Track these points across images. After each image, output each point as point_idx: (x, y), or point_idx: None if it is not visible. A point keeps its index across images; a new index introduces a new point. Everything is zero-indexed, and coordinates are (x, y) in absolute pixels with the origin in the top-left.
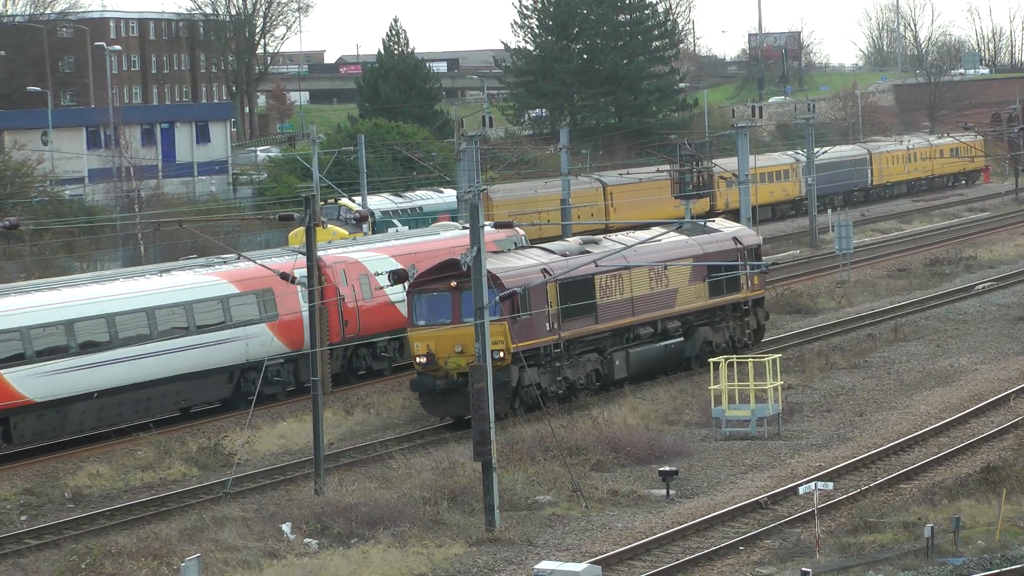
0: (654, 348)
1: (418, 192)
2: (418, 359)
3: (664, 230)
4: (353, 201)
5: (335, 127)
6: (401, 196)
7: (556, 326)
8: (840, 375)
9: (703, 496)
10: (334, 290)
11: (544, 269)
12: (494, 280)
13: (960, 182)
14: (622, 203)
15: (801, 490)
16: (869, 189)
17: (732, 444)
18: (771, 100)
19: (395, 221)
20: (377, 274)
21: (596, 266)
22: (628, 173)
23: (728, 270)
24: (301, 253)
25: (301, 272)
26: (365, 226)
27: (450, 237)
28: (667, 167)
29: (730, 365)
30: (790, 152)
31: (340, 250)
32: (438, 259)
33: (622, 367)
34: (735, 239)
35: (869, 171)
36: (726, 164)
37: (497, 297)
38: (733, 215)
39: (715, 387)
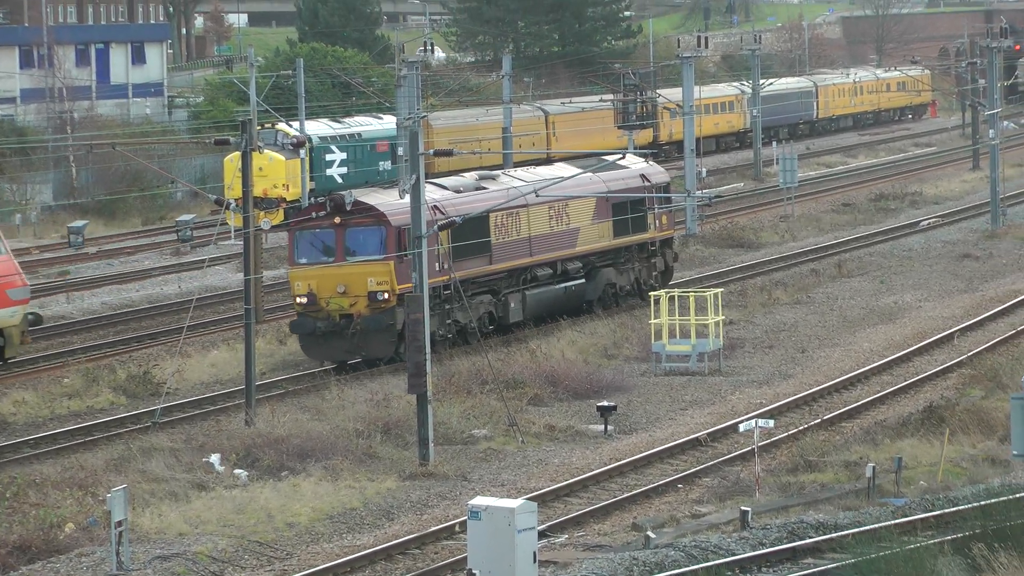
0: (553, 290)
1: (357, 118)
2: (298, 299)
3: (567, 166)
4: (291, 127)
5: (274, 50)
6: (340, 122)
7: (447, 266)
8: (782, 311)
9: (642, 432)
10: None
11: (435, 206)
12: (379, 217)
13: (907, 116)
14: (564, 132)
15: (741, 427)
16: (815, 122)
17: (672, 380)
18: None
19: (333, 147)
20: None
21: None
22: (571, 102)
23: (634, 208)
24: None
25: None
26: (302, 151)
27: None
28: (611, 97)
29: (671, 299)
30: (735, 83)
31: None
32: None
33: (518, 310)
34: (642, 176)
35: (815, 104)
36: (671, 95)
37: (431, 229)
38: (677, 146)
39: (655, 321)
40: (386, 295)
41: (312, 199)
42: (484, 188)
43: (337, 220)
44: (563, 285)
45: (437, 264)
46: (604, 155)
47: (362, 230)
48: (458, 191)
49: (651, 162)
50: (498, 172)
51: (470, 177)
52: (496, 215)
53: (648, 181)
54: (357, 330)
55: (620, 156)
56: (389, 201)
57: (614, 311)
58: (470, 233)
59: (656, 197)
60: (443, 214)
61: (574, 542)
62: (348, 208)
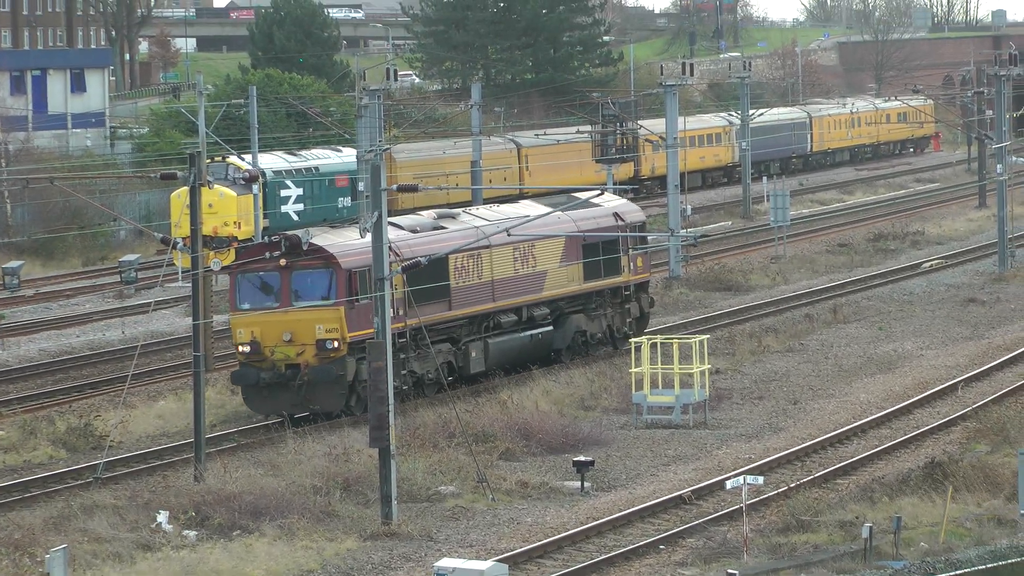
0: (518, 338)
1: (314, 151)
2: (241, 348)
3: (535, 204)
4: (243, 160)
5: (224, 77)
6: (295, 155)
7: (401, 312)
8: (773, 359)
9: (621, 489)
10: None
11: (390, 247)
12: (328, 259)
13: (908, 150)
14: (538, 167)
15: (728, 484)
16: (808, 156)
17: (654, 433)
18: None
19: (288, 182)
20: None
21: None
22: (545, 134)
23: (607, 249)
24: None
25: None
26: (255, 186)
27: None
28: (588, 128)
29: (653, 347)
30: (723, 114)
31: None
32: None
33: (479, 359)
34: (616, 215)
35: (809, 136)
36: (653, 126)
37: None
38: (660, 181)
39: (636, 370)
40: (336, 343)
41: (267, 238)
42: (443, 228)
43: (283, 262)
44: (529, 333)
45: (391, 310)
46: (576, 191)
47: (310, 273)
48: (415, 231)
49: (626, 199)
50: (458, 211)
51: (428, 216)
52: (456, 257)
53: (622, 220)
54: (304, 381)
55: (598, 192)
56: (339, 241)
57: (592, 359)
58: (427, 276)
59: (630, 237)
60: (397, 255)
61: None
62: (305, 248)
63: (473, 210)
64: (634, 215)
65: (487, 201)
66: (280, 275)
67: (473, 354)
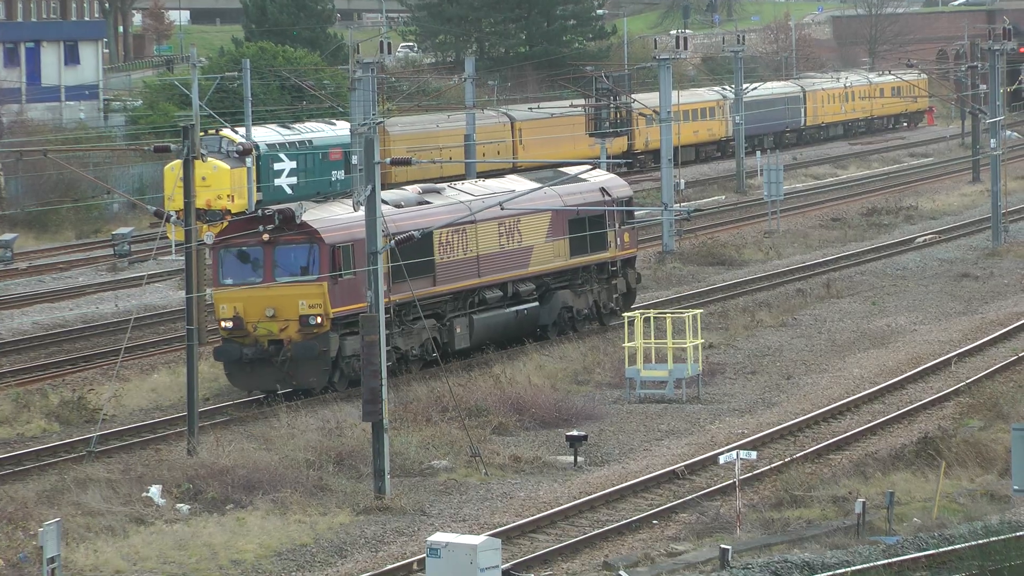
0: (503, 314)
1: (308, 124)
2: (223, 323)
3: (521, 179)
4: (236, 133)
5: (218, 50)
6: (289, 128)
7: (386, 288)
8: (767, 334)
9: (614, 464)
10: None
11: None
12: (312, 234)
13: (901, 124)
14: (532, 140)
15: (721, 459)
16: (802, 130)
17: (647, 407)
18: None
19: (281, 155)
20: None
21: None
22: (539, 107)
23: (593, 224)
24: None
25: None
26: (249, 160)
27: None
28: (582, 102)
29: (646, 321)
30: (717, 88)
31: None
32: None
33: (464, 335)
34: (603, 190)
35: (803, 110)
36: (647, 100)
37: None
38: (653, 156)
39: (629, 344)
40: (319, 319)
41: (260, 211)
42: (428, 203)
43: (266, 237)
44: (514, 309)
45: None
46: (568, 165)
47: (293, 248)
48: (399, 205)
49: (613, 174)
50: (443, 185)
51: (412, 191)
52: (440, 232)
53: (609, 195)
54: (287, 357)
55: (588, 168)
56: (322, 216)
57: (584, 334)
58: (411, 252)
59: (617, 213)
60: (384, 230)
61: None
62: (298, 222)
63: (458, 185)
64: (621, 190)
65: (481, 174)
66: (263, 250)
67: (458, 330)
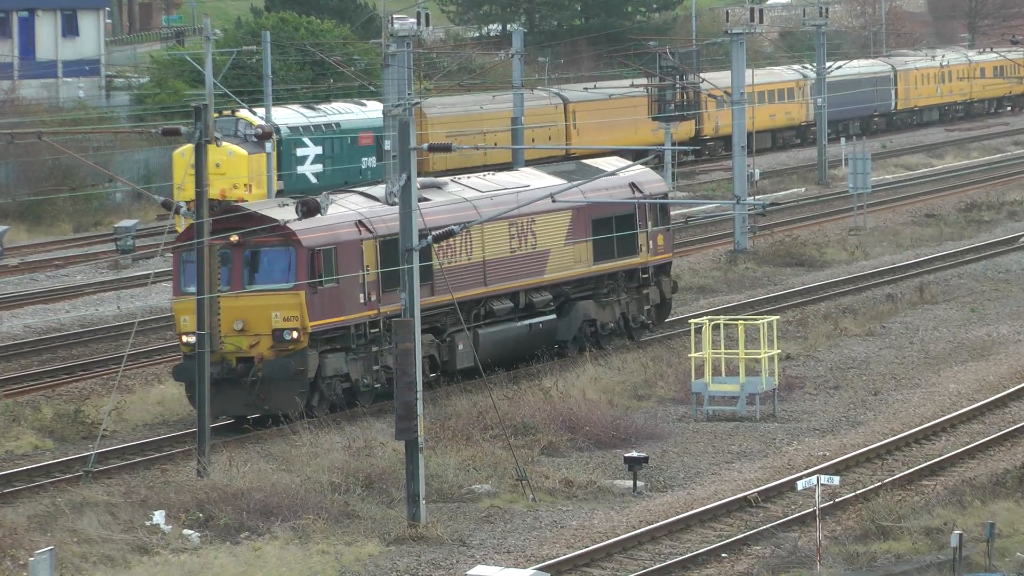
0: (514, 328)
1: (335, 104)
2: (185, 338)
3: (537, 172)
4: (255, 114)
5: (234, 21)
6: (314, 109)
7: (374, 298)
8: (851, 344)
9: (678, 490)
10: None
11: (359, 221)
12: (287, 236)
13: (1005, 108)
14: (587, 124)
15: (800, 485)
16: (893, 114)
17: (716, 426)
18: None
19: (305, 139)
20: None
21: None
22: (596, 87)
23: (622, 225)
24: None
25: None
26: (268, 144)
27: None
28: (644, 81)
29: (716, 328)
30: (796, 67)
31: None
32: None
33: (467, 353)
34: (632, 185)
35: (893, 92)
36: (717, 79)
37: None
38: (724, 142)
39: (696, 355)
40: (295, 334)
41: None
42: (426, 199)
43: (234, 238)
44: (528, 322)
45: (361, 294)
46: (621, 153)
47: (266, 251)
48: (391, 203)
49: (647, 168)
50: (445, 180)
51: None
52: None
53: (639, 191)
54: (257, 378)
55: (629, 164)
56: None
57: (645, 344)
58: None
59: (650, 212)
60: (369, 231)
61: None
62: (323, 214)
63: (463, 179)
64: (654, 185)
65: (530, 162)
66: (232, 254)
67: (460, 346)
